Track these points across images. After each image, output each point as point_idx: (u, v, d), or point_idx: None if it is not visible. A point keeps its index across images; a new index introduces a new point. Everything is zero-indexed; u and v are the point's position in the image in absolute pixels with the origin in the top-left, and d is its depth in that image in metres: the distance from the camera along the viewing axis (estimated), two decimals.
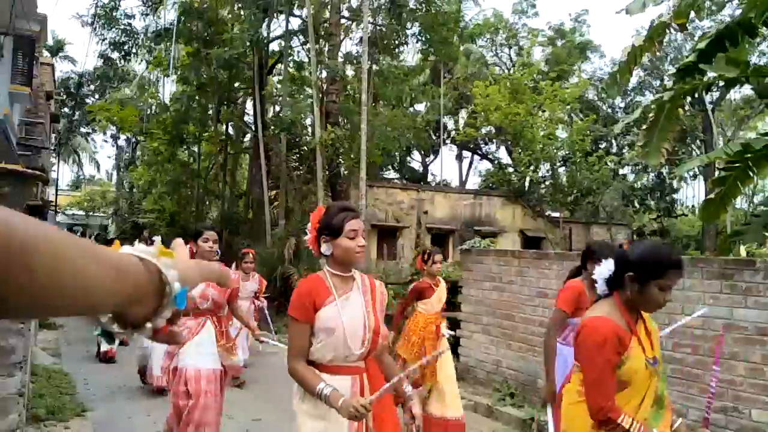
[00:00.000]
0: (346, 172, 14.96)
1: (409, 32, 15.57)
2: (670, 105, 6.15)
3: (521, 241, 19.32)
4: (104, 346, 7.55)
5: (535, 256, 6.27)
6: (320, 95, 13.69)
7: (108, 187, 37.35)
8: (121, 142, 30.18)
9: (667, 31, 6.15)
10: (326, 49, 14.78)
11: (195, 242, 3.66)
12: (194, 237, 3.73)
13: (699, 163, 7.23)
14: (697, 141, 23.37)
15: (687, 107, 6.47)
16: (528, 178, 19.75)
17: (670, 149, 6.79)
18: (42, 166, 13.16)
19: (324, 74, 14.54)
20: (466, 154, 28.16)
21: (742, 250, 9.53)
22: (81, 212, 35.75)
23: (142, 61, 22.22)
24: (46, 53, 26.64)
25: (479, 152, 27.38)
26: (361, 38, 13.65)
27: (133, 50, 18.63)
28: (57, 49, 32.40)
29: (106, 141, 32.98)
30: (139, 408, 5.63)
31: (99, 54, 18.78)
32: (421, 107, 25.75)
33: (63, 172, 43.74)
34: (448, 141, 25.97)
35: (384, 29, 14.85)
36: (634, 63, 6.63)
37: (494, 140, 25.01)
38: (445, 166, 66.81)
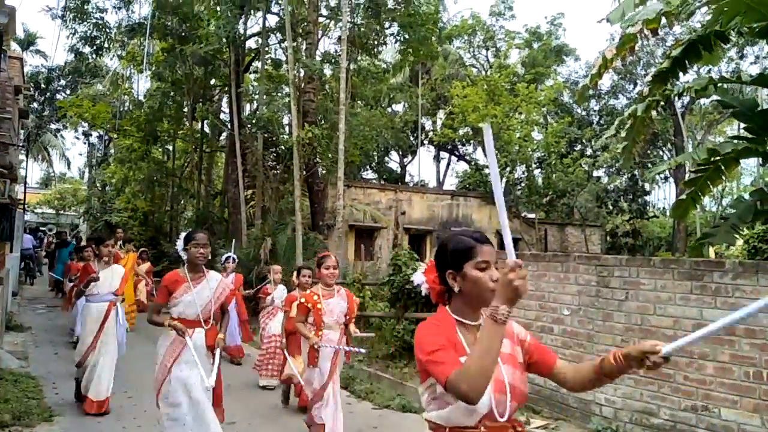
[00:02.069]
0: (323, 172, 14.88)
1: (387, 31, 15.56)
2: (643, 113, 6.30)
3: (497, 241, 19.49)
4: (95, 395, 5.45)
5: None
6: (297, 94, 13.58)
7: (79, 185, 36.50)
8: (93, 139, 29.50)
9: (639, 37, 6.27)
10: (304, 47, 14.67)
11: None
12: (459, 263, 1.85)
13: (668, 167, 7.44)
14: (668, 145, 23.89)
15: (659, 112, 6.63)
16: (504, 180, 19.92)
17: (641, 152, 6.96)
18: (10, 163, 12.77)
19: (302, 73, 14.44)
20: (444, 155, 28.28)
21: (711, 252, 9.80)
22: (51, 211, 34.88)
23: (114, 56, 21.78)
24: (15, 46, 25.89)
25: (456, 153, 27.53)
26: (340, 37, 13.60)
27: (106, 45, 18.24)
28: (28, 43, 31.53)
29: (77, 138, 32.21)
30: (108, 413, 5.50)
31: (70, 48, 18.32)
32: (399, 107, 25.79)
33: (32, 170, 42.58)
34: (425, 142, 26.06)
35: (362, 28, 14.81)
36: (605, 68, 6.76)
37: (471, 141, 25.17)
38: (422, 166, 67.07)
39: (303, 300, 4.51)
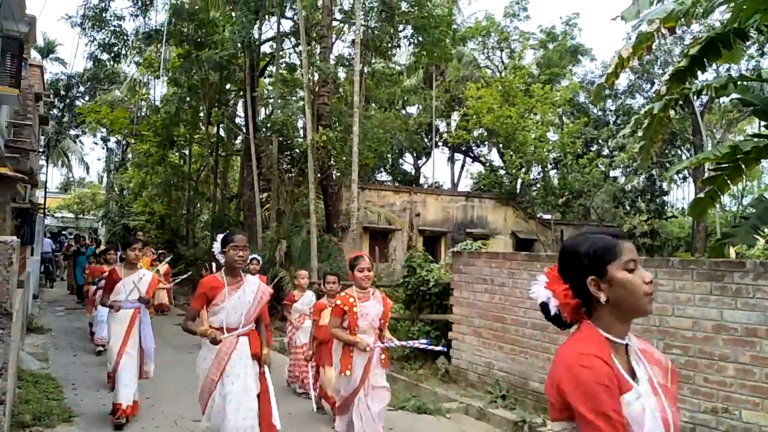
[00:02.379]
0: (338, 175, 14.92)
1: (401, 34, 15.58)
2: (661, 111, 6.22)
3: (513, 243, 19.38)
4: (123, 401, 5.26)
5: (526, 258, 6.28)
6: (312, 97, 13.64)
7: (97, 189, 37.09)
8: (111, 144, 29.98)
9: (656, 35, 6.19)
10: (318, 51, 14.74)
11: None
12: None
13: (688, 165, 7.33)
14: (687, 144, 23.55)
15: (677, 111, 6.55)
16: (519, 181, 19.78)
17: (659, 152, 6.89)
18: (30, 168, 13.01)
19: (316, 76, 14.51)
20: (458, 156, 28.19)
21: (732, 252, 9.64)
22: (70, 215, 35.50)
23: (131, 62, 22.10)
24: (35, 54, 26.40)
25: (471, 155, 27.42)
26: (353, 41, 13.64)
27: (123, 52, 18.50)
28: (48, 50, 32.13)
29: (96, 143, 32.73)
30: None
31: (88, 55, 18.62)
32: (413, 110, 25.76)
33: (52, 175, 43.35)
34: (440, 143, 25.99)
35: (376, 31, 14.84)
36: (621, 67, 6.69)
37: (486, 143, 25.05)
38: (437, 168, 66.61)
39: (339, 302, 4.27)
